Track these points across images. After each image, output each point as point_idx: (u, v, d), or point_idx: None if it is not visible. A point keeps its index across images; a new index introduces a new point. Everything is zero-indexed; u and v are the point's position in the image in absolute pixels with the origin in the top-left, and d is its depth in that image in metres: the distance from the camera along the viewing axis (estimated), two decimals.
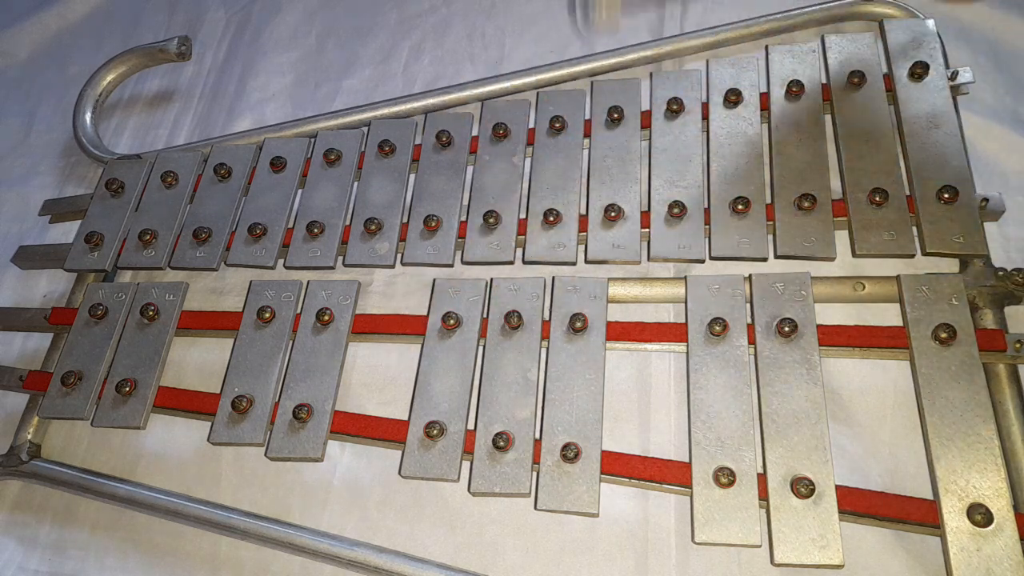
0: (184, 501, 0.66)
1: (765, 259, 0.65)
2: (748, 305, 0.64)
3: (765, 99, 0.73)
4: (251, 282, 0.73)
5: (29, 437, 0.72)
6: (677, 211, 0.67)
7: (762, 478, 0.56)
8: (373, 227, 0.72)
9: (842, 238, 0.65)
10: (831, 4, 0.80)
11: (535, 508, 0.58)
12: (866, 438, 0.62)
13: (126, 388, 0.67)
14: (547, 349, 0.64)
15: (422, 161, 0.77)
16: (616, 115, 0.74)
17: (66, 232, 0.86)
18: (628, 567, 0.60)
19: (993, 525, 0.52)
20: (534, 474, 0.59)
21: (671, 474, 0.58)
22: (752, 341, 0.61)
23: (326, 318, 0.68)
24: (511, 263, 0.70)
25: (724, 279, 0.65)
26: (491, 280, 0.68)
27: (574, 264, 0.69)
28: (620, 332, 0.64)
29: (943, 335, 0.58)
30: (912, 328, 0.60)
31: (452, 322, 0.65)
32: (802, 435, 0.57)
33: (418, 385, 0.64)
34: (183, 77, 1.01)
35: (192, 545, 0.67)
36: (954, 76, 0.70)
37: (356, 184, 0.78)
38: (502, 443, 0.59)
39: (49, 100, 1.03)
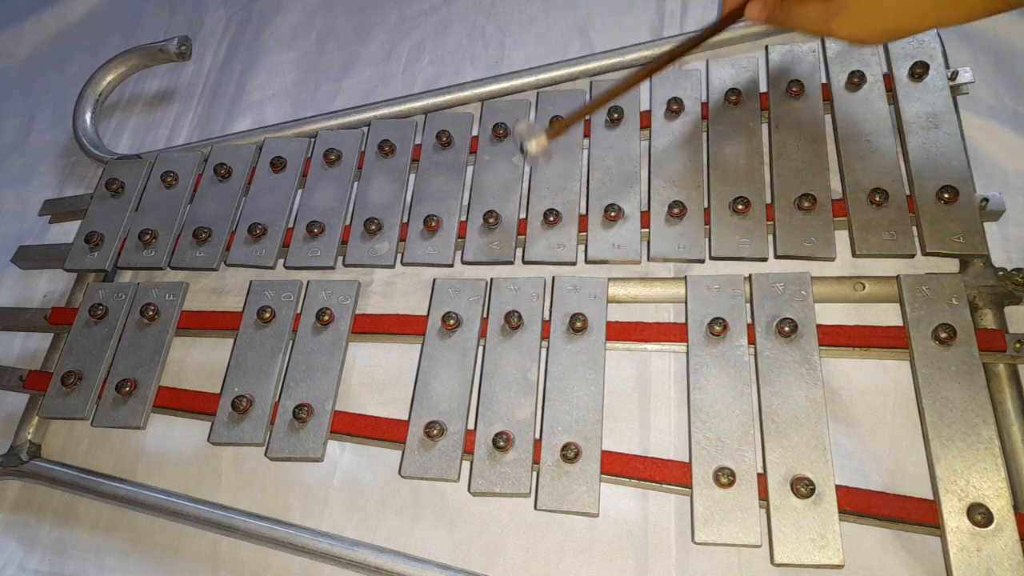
0: (184, 501, 0.66)
1: (765, 259, 0.65)
2: (748, 305, 0.64)
3: (765, 99, 0.73)
4: (251, 282, 0.73)
5: (29, 437, 0.72)
6: (677, 211, 0.67)
7: (762, 478, 0.56)
8: (373, 227, 0.72)
9: (842, 238, 0.65)
10: None
11: (535, 508, 0.58)
12: (866, 438, 0.62)
13: (126, 388, 0.67)
14: (547, 349, 0.64)
15: (422, 161, 0.77)
16: (616, 115, 0.74)
17: (66, 232, 0.86)
18: (628, 567, 0.60)
19: (993, 525, 0.52)
20: (534, 474, 0.59)
21: (671, 474, 0.58)
22: (752, 341, 0.61)
23: (326, 318, 0.68)
24: (511, 263, 0.70)
25: (724, 279, 0.65)
26: (491, 280, 0.68)
27: (574, 264, 0.69)
28: (620, 332, 0.64)
29: (943, 335, 0.58)
30: (912, 328, 0.60)
31: (452, 322, 0.65)
32: (802, 435, 0.57)
33: (418, 385, 0.64)
34: (183, 77, 1.01)
35: (192, 545, 0.67)
36: (954, 76, 0.70)
37: (356, 184, 0.78)
38: (502, 443, 0.59)
39: (49, 100, 1.03)
